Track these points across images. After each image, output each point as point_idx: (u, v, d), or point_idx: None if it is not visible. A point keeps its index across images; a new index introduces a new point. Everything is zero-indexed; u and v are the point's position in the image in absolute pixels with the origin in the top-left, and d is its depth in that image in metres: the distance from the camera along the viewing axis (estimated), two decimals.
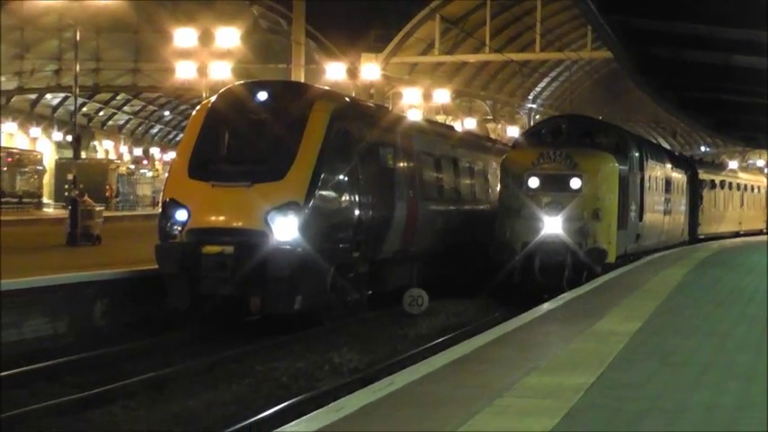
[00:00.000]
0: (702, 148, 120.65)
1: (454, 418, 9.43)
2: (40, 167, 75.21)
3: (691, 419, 9.70)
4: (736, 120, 51.32)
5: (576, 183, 30.37)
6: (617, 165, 31.48)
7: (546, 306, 20.12)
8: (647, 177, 35.60)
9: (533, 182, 30.53)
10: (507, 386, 11.08)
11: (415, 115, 56.85)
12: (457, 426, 9.19)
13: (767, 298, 21.17)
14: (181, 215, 23.40)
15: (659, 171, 38.80)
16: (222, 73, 53.06)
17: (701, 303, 20.32)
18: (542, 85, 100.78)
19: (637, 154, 34.49)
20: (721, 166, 63.44)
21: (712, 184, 51.85)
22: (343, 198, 24.49)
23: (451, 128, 50.36)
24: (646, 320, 16.97)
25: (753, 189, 60.96)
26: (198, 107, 26.68)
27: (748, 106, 42.03)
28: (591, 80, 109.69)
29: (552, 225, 29.96)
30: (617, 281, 25.50)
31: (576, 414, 9.75)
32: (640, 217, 34.49)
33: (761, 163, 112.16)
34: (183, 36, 54.19)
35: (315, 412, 10.34)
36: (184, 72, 56.11)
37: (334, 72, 61.45)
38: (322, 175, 23.53)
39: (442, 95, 71.18)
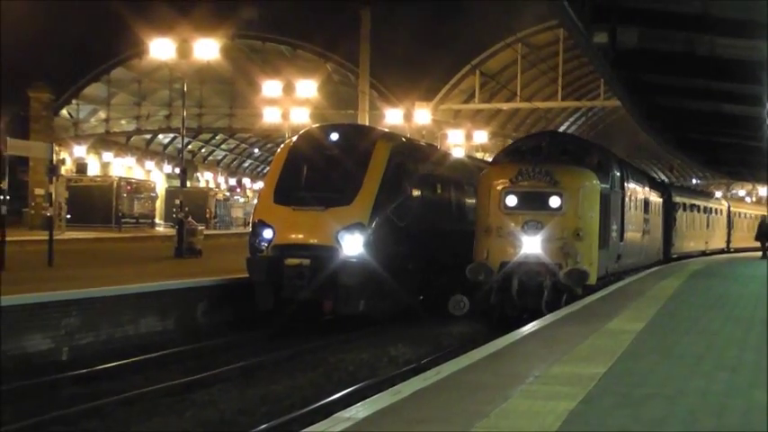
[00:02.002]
0: (694, 181, 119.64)
1: (491, 401, 9.41)
2: (153, 194, 75.54)
3: (687, 403, 9.62)
4: (723, 157, 50.95)
5: (555, 201, 24.58)
6: (598, 183, 25.56)
7: (566, 310, 19.93)
8: (627, 197, 29.82)
9: (511, 200, 24.67)
10: (535, 375, 11.02)
11: (458, 152, 56.74)
12: (494, 407, 9.17)
13: (766, 303, 20.96)
14: (267, 233, 23.56)
15: (639, 191, 33.19)
16: (302, 117, 53.19)
17: (695, 307, 20.10)
18: (563, 128, 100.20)
19: (618, 173, 28.41)
20: (691, 191, 61.70)
21: (684, 207, 48.39)
22: (400, 219, 24.49)
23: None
24: (649, 321, 16.81)
25: (716, 212, 59.10)
26: (282, 145, 26.92)
27: (734, 146, 41.79)
28: (603, 124, 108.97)
29: (531, 245, 24.27)
30: (625, 289, 25.25)
31: (591, 398, 9.70)
32: (621, 236, 28.67)
33: (742, 193, 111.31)
34: (270, 87, 54.49)
35: (376, 396, 10.32)
36: (271, 116, 56.33)
37: (392, 116, 61.51)
38: (383, 201, 23.65)
39: (481, 136, 70.83)
